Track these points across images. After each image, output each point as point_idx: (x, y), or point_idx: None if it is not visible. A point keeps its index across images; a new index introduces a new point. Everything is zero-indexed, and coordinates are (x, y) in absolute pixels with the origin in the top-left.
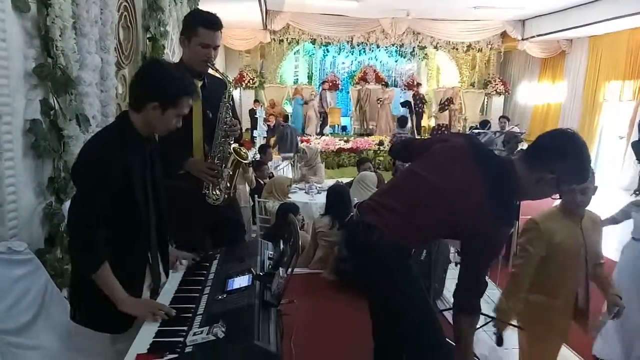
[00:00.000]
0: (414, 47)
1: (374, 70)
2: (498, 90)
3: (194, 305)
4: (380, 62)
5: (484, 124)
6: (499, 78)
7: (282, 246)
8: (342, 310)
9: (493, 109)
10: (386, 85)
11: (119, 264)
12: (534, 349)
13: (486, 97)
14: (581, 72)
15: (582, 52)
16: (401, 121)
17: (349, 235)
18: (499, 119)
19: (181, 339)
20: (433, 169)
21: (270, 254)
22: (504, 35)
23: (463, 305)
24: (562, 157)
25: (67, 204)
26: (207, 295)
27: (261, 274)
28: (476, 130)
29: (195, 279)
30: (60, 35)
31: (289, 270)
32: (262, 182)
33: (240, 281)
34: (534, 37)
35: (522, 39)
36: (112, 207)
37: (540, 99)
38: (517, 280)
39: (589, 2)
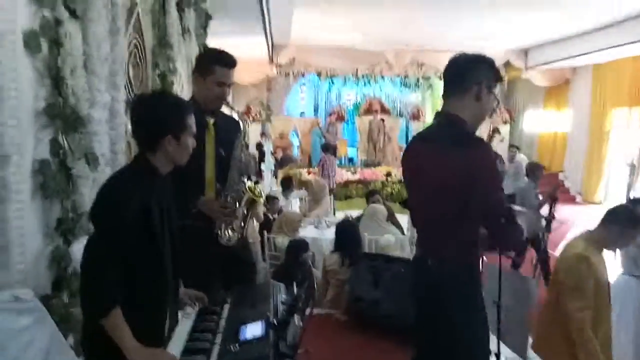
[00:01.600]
0: (418, 78)
1: (379, 102)
2: (504, 119)
3: (206, 358)
4: (385, 93)
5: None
6: (504, 107)
7: (295, 290)
8: (358, 351)
9: (499, 138)
10: (390, 114)
11: (138, 309)
12: None
13: (491, 126)
14: (586, 100)
15: (586, 80)
16: None
17: (417, 270)
18: (509, 148)
19: None
20: (415, 177)
21: (284, 298)
22: (507, 64)
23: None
24: (475, 66)
25: (76, 245)
26: (219, 347)
27: (275, 322)
28: None
29: (207, 325)
30: (71, 74)
31: (305, 317)
32: (272, 218)
33: (254, 330)
34: (537, 65)
35: (526, 68)
36: (130, 248)
37: (546, 127)
38: (585, 331)
39: (591, 31)
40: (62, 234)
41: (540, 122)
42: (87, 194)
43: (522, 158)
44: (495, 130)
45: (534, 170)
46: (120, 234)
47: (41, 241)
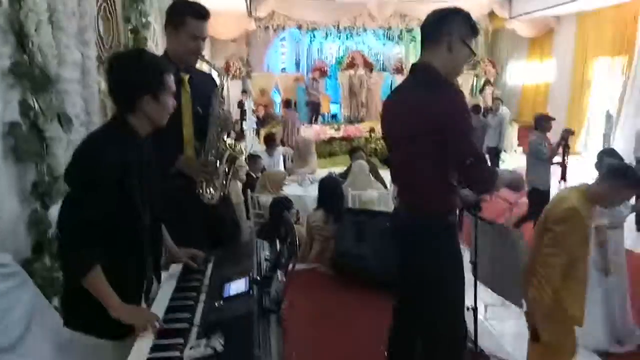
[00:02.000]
0: (402, 30)
1: (362, 55)
2: (487, 71)
3: (190, 315)
4: (368, 46)
5: (476, 110)
6: (487, 58)
7: (278, 246)
8: (343, 305)
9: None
10: (371, 70)
11: (114, 269)
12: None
13: (475, 78)
14: (569, 49)
15: (570, 29)
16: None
17: (394, 223)
18: (493, 101)
19: (178, 354)
20: (391, 128)
21: (267, 255)
22: (491, 14)
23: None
24: (448, 19)
25: (54, 208)
26: (203, 304)
27: (258, 278)
28: None
29: (190, 285)
30: (35, 30)
31: (288, 272)
32: (255, 177)
33: (238, 286)
34: (521, 15)
35: (510, 18)
36: (107, 209)
37: (529, 79)
38: (549, 273)
39: None
40: (39, 197)
41: (524, 73)
42: (62, 156)
43: (505, 111)
44: (487, 82)
45: (542, 121)
46: (99, 193)
47: (18, 205)
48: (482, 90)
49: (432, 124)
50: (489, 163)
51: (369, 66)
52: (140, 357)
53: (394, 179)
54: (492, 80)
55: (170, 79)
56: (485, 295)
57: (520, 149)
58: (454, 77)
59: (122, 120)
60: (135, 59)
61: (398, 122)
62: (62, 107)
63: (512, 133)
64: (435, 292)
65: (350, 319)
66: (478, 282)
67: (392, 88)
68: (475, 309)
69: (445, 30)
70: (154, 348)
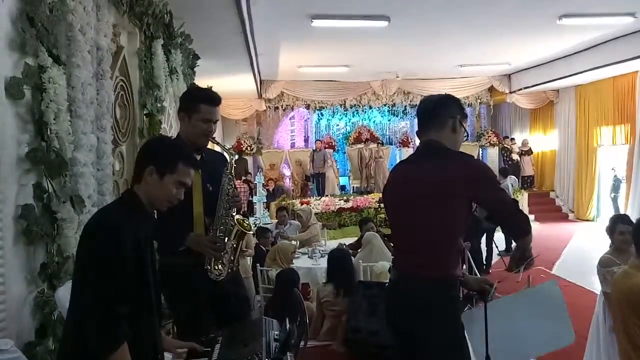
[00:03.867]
0: (406, 106)
1: (368, 130)
2: (491, 142)
3: None
4: (374, 121)
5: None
6: (491, 130)
7: (288, 326)
8: None
9: (489, 160)
10: (382, 144)
11: (133, 347)
12: None
13: (480, 149)
14: (571, 120)
15: (569, 101)
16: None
17: (390, 293)
18: (499, 171)
19: None
20: (402, 196)
21: (276, 335)
22: (491, 89)
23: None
24: (449, 103)
25: (61, 290)
26: None
27: None
28: None
29: None
30: (54, 119)
31: (299, 352)
32: (265, 250)
33: None
34: (521, 89)
35: (510, 92)
36: (125, 284)
37: (535, 147)
38: None
39: (572, 54)
40: (47, 278)
41: (529, 142)
42: (73, 236)
43: (513, 180)
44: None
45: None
46: (120, 264)
47: (24, 288)
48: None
49: (461, 184)
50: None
51: (375, 140)
52: None
53: (397, 248)
54: (488, 150)
55: (184, 171)
56: None
57: (532, 216)
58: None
59: (131, 193)
60: (164, 139)
61: (412, 189)
62: (75, 189)
63: (522, 201)
64: None
65: None
66: None
67: (399, 160)
68: None
69: (449, 113)
70: None
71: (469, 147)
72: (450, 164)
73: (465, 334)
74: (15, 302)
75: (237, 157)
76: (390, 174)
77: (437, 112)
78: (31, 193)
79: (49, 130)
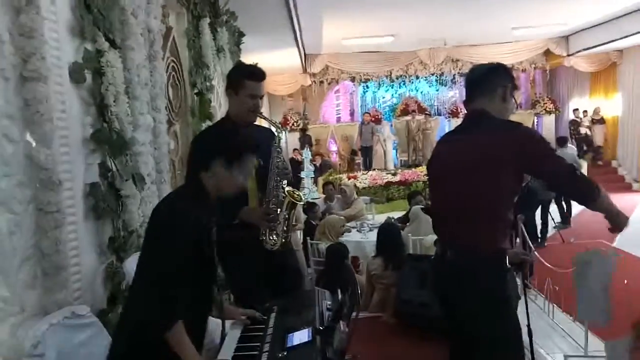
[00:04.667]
0: (455, 75)
1: (416, 101)
2: (547, 109)
3: None
4: (421, 92)
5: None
6: (547, 97)
7: (340, 296)
8: (407, 354)
9: (544, 128)
10: (429, 115)
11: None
12: None
13: (535, 117)
14: (637, 82)
15: (634, 62)
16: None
17: (436, 265)
18: (556, 140)
19: None
20: (450, 167)
21: (329, 305)
22: (547, 53)
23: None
24: (500, 72)
25: (128, 261)
26: (267, 354)
27: (321, 328)
28: None
29: (254, 334)
30: (114, 101)
31: (350, 322)
32: (315, 224)
33: (301, 337)
34: (580, 51)
35: (568, 55)
36: (186, 267)
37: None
38: None
39: (637, 10)
40: (115, 251)
41: (588, 109)
42: (136, 212)
43: (572, 149)
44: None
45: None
46: (182, 250)
47: (95, 259)
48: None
49: (512, 154)
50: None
51: (423, 111)
52: None
53: (442, 221)
54: (544, 118)
55: (249, 162)
56: (564, 345)
57: None
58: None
59: (196, 181)
60: (231, 131)
61: (461, 160)
62: (136, 167)
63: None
64: (490, 335)
65: None
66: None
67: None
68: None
69: (500, 81)
70: None
71: (523, 116)
72: (500, 133)
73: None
74: (89, 273)
75: (283, 131)
76: (438, 144)
77: (487, 80)
78: (97, 172)
79: (109, 112)
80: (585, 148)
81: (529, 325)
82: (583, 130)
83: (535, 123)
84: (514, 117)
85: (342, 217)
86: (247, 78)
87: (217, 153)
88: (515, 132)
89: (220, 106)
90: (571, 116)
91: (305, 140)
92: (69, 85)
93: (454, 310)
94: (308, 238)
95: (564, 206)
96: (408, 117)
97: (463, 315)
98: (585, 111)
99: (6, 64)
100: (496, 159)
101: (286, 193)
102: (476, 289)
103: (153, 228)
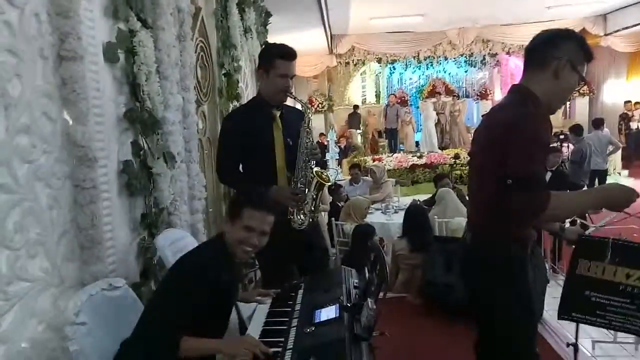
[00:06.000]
0: (485, 55)
1: (443, 83)
2: (581, 91)
3: (283, 340)
4: (449, 74)
5: (576, 131)
6: None
7: (367, 274)
8: (432, 335)
9: (577, 112)
10: (457, 97)
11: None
12: None
13: (568, 100)
14: None
15: None
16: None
17: (461, 248)
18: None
19: None
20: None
21: (356, 283)
22: (583, 32)
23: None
24: (559, 42)
25: (159, 238)
26: (295, 328)
27: (349, 305)
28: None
29: (282, 310)
30: (146, 81)
31: (378, 300)
32: (340, 205)
33: (328, 313)
34: (618, 30)
35: (605, 34)
36: (196, 317)
37: (633, 95)
38: None
39: None
40: (147, 227)
41: (624, 92)
42: (166, 190)
43: (607, 132)
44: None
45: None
46: (191, 304)
47: (128, 235)
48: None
49: (495, 137)
50: (536, 189)
51: (450, 93)
52: None
53: (469, 202)
54: (577, 101)
55: (250, 214)
56: (592, 330)
57: (626, 172)
58: (559, 106)
59: (220, 237)
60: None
61: (479, 141)
62: (166, 146)
63: (614, 158)
64: (499, 329)
65: (439, 349)
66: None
67: (476, 113)
68: (575, 345)
69: (554, 54)
70: None
71: None
72: (501, 116)
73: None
74: (122, 248)
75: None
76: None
77: (541, 50)
78: (130, 150)
79: (141, 91)
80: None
81: (564, 308)
82: (634, 124)
83: (568, 106)
84: None
85: (367, 199)
86: (278, 57)
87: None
88: (508, 114)
89: (247, 87)
90: (607, 99)
91: (356, 119)
92: (103, 64)
93: (476, 294)
94: (333, 219)
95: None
96: (435, 99)
97: (479, 301)
98: (637, 102)
99: (45, 43)
100: (493, 145)
101: (314, 173)
102: (492, 273)
103: (171, 274)
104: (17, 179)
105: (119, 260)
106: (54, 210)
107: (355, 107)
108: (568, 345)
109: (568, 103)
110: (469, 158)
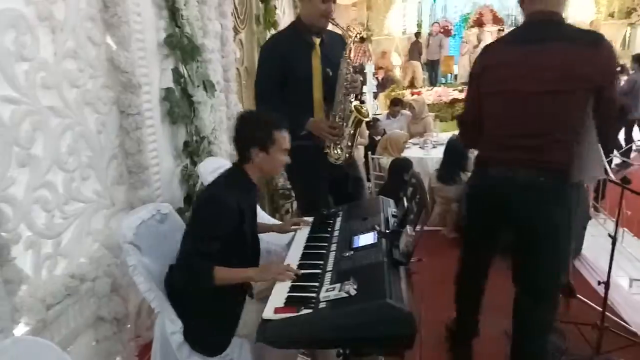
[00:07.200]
0: None
1: (491, 11)
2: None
3: (322, 262)
4: (499, 0)
5: (622, 70)
6: None
7: (406, 203)
8: None
9: (638, 42)
10: (502, 29)
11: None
12: None
13: (629, 28)
14: None
15: None
16: None
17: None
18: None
19: (314, 295)
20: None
21: (394, 212)
22: None
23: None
24: None
25: (201, 165)
26: (334, 253)
27: (387, 231)
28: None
29: (321, 235)
30: (185, 4)
31: (418, 227)
32: (376, 139)
33: (366, 239)
34: None
35: None
36: (223, 246)
37: None
38: None
39: None
40: (189, 155)
41: None
42: (207, 118)
43: None
44: None
45: None
46: (218, 232)
47: (172, 162)
48: None
49: (591, 74)
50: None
51: (498, 22)
52: (282, 295)
53: (508, 140)
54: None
55: (282, 136)
56: (631, 268)
57: None
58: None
59: (238, 169)
60: (249, 116)
61: (534, 76)
62: (205, 74)
63: None
64: (551, 252)
65: None
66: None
67: None
68: (607, 284)
69: None
70: (292, 289)
71: (614, 26)
72: (580, 48)
73: None
74: (167, 174)
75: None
76: (493, 54)
77: None
78: (170, 77)
79: (180, 16)
80: None
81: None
82: None
83: (628, 36)
84: (604, 28)
85: (405, 133)
86: None
87: (250, 144)
88: (598, 49)
89: (284, 14)
90: None
91: (417, 49)
92: None
93: (518, 226)
94: (369, 152)
95: None
96: (478, 31)
97: (529, 230)
98: None
99: None
100: (575, 79)
101: (353, 108)
102: (559, 210)
103: (195, 210)
104: (68, 103)
105: (163, 185)
106: (102, 135)
107: (417, 34)
108: (599, 283)
109: (629, 31)
110: (497, 97)
